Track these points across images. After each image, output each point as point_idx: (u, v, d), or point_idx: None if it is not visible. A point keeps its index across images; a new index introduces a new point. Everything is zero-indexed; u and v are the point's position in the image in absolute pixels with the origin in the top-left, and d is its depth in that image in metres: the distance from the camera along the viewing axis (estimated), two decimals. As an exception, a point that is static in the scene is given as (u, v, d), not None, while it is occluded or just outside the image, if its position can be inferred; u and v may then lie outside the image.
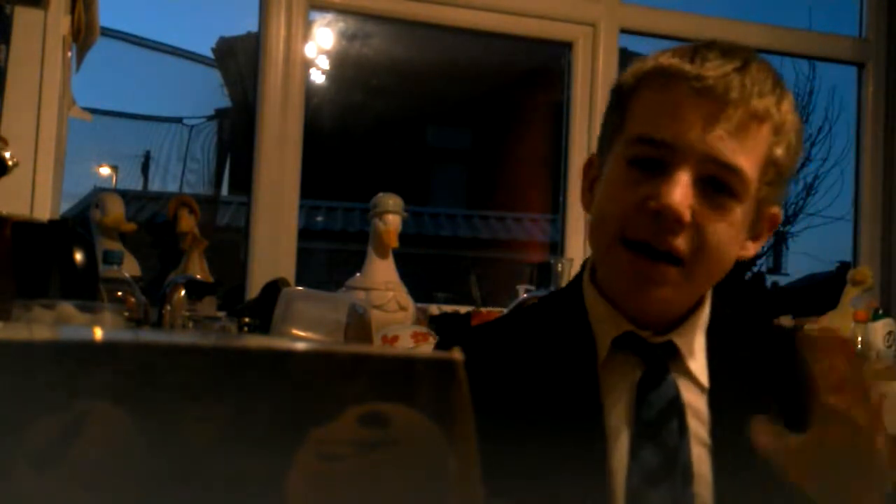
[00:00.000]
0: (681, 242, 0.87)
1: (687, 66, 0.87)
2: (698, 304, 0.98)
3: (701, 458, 0.91)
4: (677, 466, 0.90)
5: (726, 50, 0.89)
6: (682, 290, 0.92)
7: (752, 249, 0.95)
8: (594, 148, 1.02)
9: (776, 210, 0.97)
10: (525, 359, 0.97)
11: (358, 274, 2.19)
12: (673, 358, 0.95)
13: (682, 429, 0.91)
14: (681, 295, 0.93)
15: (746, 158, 0.88)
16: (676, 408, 0.92)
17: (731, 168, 0.87)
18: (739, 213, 0.90)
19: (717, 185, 0.88)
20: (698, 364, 0.96)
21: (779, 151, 0.90)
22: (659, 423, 0.91)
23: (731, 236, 0.90)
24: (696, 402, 0.94)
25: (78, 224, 1.33)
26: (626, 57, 2.80)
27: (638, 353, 0.95)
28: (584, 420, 0.92)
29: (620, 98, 0.94)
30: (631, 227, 0.88)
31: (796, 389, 0.96)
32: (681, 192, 0.86)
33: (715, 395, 0.94)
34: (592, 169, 1.00)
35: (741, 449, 0.90)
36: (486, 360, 0.97)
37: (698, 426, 0.92)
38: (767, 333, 1.04)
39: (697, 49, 0.89)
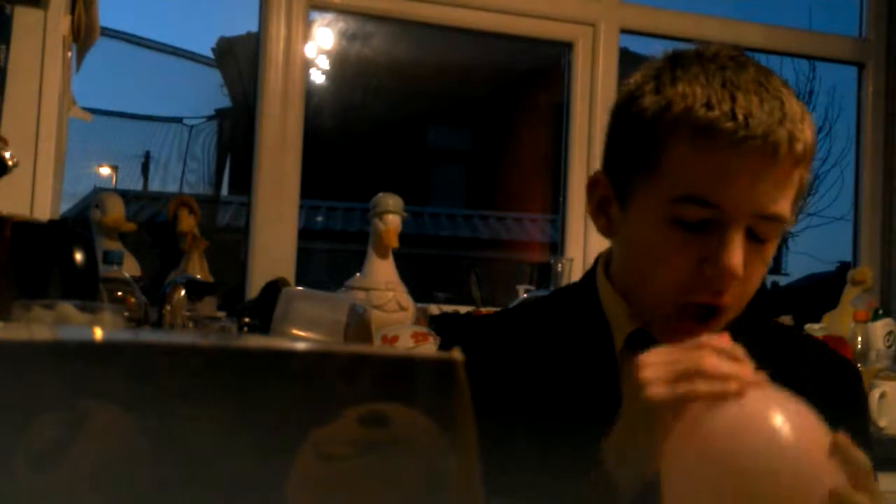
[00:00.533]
0: (731, 295, 0.89)
1: (730, 125, 0.84)
2: None
3: None
4: None
5: (758, 87, 0.86)
6: (716, 327, 0.95)
7: None
8: (594, 150, 1.02)
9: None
10: (540, 349, 0.98)
11: (358, 274, 2.19)
12: None
13: None
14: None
15: (787, 201, 0.88)
16: None
17: (775, 218, 0.88)
18: (774, 246, 0.92)
19: (760, 232, 0.89)
20: None
21: (806, 175, 0.91)
22: None
23: (765, 269, 0.92)
24: None
25: (78, 224, 1.33)
26: (625, 57, 2.81)
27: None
28: (605, 409, 0.93)
29: (646, 136, 0.90)
30: (687, 293, 0.89)
31: (804, 389, 0.97)
32: (738, 253, 0.86)
33: None
34: (600, 188, 0.98)
35: None
36: (498, 350, 0.98)
37: None
38: (775, 333, 1.05)
39: (732, 94, 0.85)
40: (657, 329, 0.95)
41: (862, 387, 1.07)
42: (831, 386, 1.00)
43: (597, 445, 0.86)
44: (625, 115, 0.93)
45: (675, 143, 0.87)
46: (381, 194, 2.20)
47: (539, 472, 0.88)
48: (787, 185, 0.87)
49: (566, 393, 0.94)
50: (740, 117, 0.84)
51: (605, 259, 1.03)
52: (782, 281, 7.02)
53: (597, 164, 1.03)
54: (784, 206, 0.88)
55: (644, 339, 0.96)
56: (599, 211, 0.98)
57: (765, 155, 0.84)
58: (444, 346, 1.08)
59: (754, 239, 0.88)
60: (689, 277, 0.88)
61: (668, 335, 0.93)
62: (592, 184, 0.98)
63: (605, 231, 0.98)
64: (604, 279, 1.01)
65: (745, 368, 0.75)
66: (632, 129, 0.91)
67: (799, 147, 0.86)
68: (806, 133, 0.87)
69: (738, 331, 1.01)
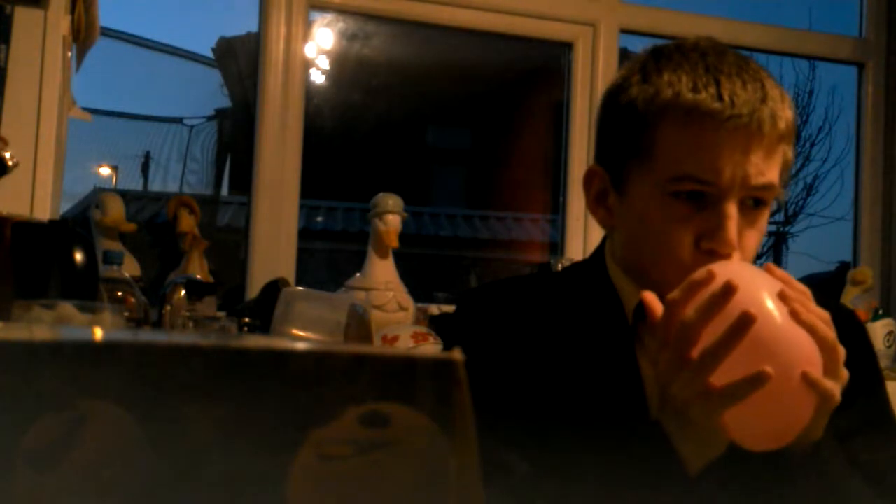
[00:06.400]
0: None
1: (717, 106, 0.89)
2: None
3: None
4: None
5: (739, 70, 0.91)
6: None
7: None
8: (593, 150, 1.03)
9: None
10: (553, 322, 1.00)
11: (358, 274, 2.19)
12: None
13: None
14: None
15: (774, 172, 0.94)
16: None
17: (766, 187, 0.93)
18: (766, 215, 0.97)
19: (753, 202, 0.94)
20: None
21: (790, 153, 0.97)
22: None
23: (761, 237, 0.97)
24: None
25: (78, 224, 1.33)
26: (625, 57, 2.81)
27: None
28: (622, 377, 0.96)
29: (637, 124, 0.94)
30: (692, 266, 0.91)
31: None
32: (733, 226, 0.91)
33: None
34: (597, 181, 1.01)
35: None
36: (510, 320, 1.00)
37: None
38: None
39: (716, 79, 0.90)
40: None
41: (868, 337, 1.15)
42: (843, 337, 1.02)
43: (614, 416, 0.91)
44: (614, 106, 0.98)
45: (666, 126, 0.92)
46: (381, 194, 2.20)
47: (560, 443, 0.90)
48: (773, 158, 0.93)
49: (583, 365, 0.97)
50: (726, 98, 0.89)
51: (611, 241, 1.06)
52: (782, 281, 7.00)
53: (597, 164, 1.04)
54: (773, 177, 0.93)
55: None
56: (598, 203, 1.02)
57: (751, 132, 0.90)
58: (450, 328, 1.10)
59: (747, 207, 0.93)
60: (689, 254, 0.92)
61: None
62: (589, 177, 1.02)
63: (605, 222, 1.02)
64: (611, 259, 1.04)
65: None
66: (623, 118, 0.96)
67: (781, 124, 0.91)
68: (787, 112, 0.93)
69: None
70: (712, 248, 0.91)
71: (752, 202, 0.93)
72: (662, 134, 0.92)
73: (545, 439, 0.90)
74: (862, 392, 0.99)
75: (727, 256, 0.91)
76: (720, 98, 0.89)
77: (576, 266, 1.15)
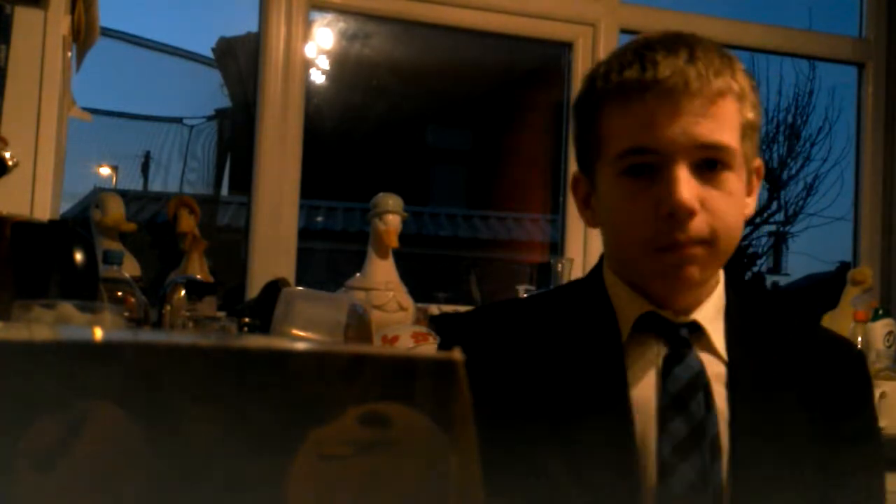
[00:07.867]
0: (699, 226, 0.93)
1: (637, 75, 0.92)
2: (715, 288, 1.03)
3: (725, 433, 0.95)
4: (705, 439, 0.94)
5: (666, 43, 0.94)
6: (709, 264, 0.97)
7: (751, 205, 1.02)
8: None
9: (759, 162, 1.03)
10: (548, 341, 1.00)
11: (358, 274, 2.19)
12: (694, 338, 0.99)
13: (709, 403, 0.96)
14: (707, 269, 0.98)
15: (724, 132, 0.93)
16: (702, 382, 0.97)
17: (715, 146, 0.93)
18: (735, 179, 0.96)
19: (710, 164, 0.94)
20: (719, 345, 1.01)
21: (749, 115, 0.97)
22: (686, 396, 0.95)
23: (736, 203, 0.96)
24: (719, 379, 0.98)
25: (78, 224, 1.33)
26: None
27: (661, 334, 0.99)
28: (610, 394, 0.96)
29: (586, 120, 1.00)
30: (655, 237, 0.93)
31: (814, 377, 0.99)
32: (684, 187, 0.91)
33: (734, 373, 0.99)
34: (581, 186, 1.06)
35: (763, 425, 0.96)
36: (506, 341, 1.01)
37: (722, 402, 0.97)
38: (783, 322, 1.08)
39: (641, 54, 0.93)
40: (659, 286, 0.99)
41: (866, 368, 1.10)
42: (839, 375, 1.03)
43: (603, 424, 0.92)
44: (573, 111, 1.03)
45: (604, 111, 0.96)
46: (381, 194, 2.20)
47: (548, 460, 0.91)
48: (716, 116, 0.93)
49: (573, 383, 0.97)
50: (648, 67, 0.92)
51: (609, 255, 1.07)
52: (782, 281, 7.03)
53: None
54: (721, 135, 0.93)
55: (653, 324, 0.99)
56: (585, 207, 1.06)
57: (677, 91, 0.91)
58: (449, 339, 1.10)
59: (709, 168, 0.93)
60: (653, 223, 0.93)
61: (670, 284, 0.98)
62: (574, 183, 1.07)
63: (592, 222, 1.05)
64: (608, 271, 1.05)
65: None
66: (578, 119, 1.02)
67: (718, 82, 0.92)
68: (725, 72, 0.93)
69: (752, 317, 1.03)
70: (668, 211, 0.92)
71: (708, 164, 0.93)
72: (603, 119, 0.96)
73: (528, 457, 0.91)
74: (856, 433, 1.01)
75: (688, 218, 0.91)
76: (643, 69, 0.92)
77: (574, 283, 1.16)
